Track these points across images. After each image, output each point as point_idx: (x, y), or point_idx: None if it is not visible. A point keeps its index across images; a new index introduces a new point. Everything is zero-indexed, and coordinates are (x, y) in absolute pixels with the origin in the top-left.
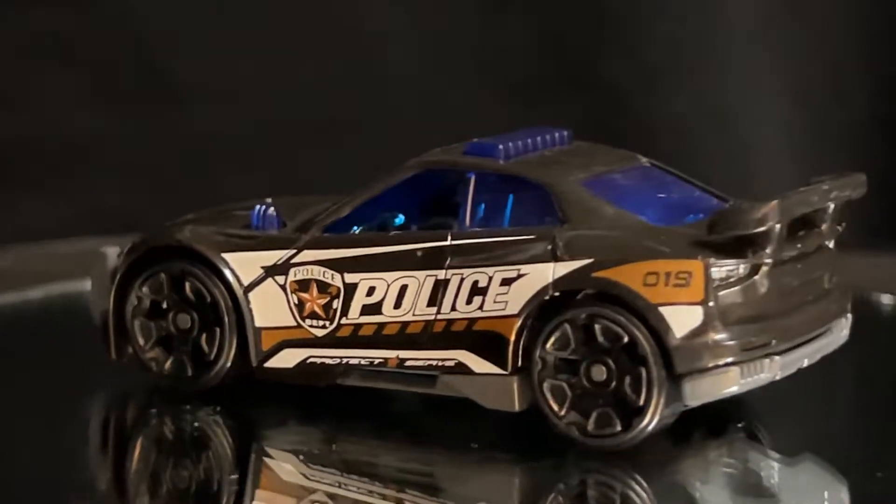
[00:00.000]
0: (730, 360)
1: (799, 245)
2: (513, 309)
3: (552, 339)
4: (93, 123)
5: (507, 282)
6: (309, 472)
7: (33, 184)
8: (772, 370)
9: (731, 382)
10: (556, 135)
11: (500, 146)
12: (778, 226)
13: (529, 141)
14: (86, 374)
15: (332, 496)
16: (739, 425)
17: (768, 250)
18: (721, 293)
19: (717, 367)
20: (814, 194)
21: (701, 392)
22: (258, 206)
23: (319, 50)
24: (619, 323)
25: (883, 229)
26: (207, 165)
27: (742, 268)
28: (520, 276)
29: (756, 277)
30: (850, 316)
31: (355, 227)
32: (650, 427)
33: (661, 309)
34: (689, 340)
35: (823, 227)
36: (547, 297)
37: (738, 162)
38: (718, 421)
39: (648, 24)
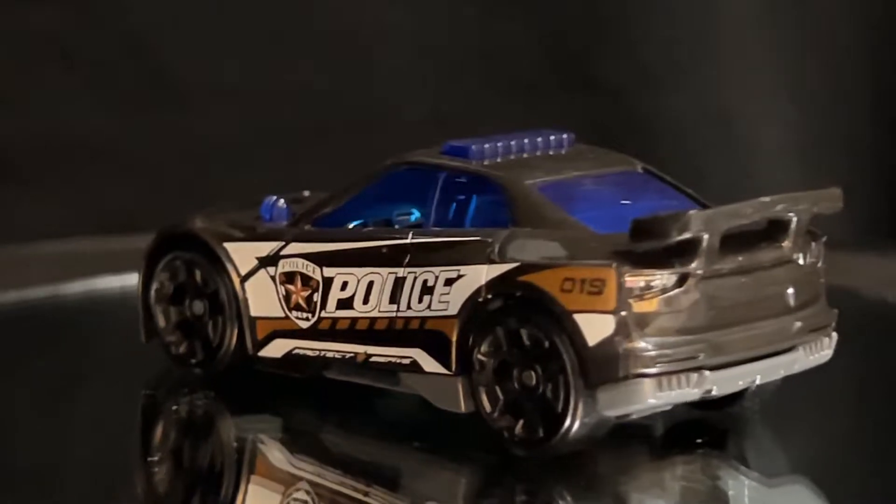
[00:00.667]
0: (644, 371)
1: (741, 258)
2: (453, 309)
3: (486, 342)
4: (93, 123)
5: (449, 282)
6: (295, 461)
7: (33, 184)
8: (700, 385)
9: (645, 394)
10: (554, 137)
11: (474, 147)
12: (706, 236)
13: (514, 143)
14: (84, 372)
15: (313, 484)
16: (703, 439)
17: (696, 262)
18: (639, 303)
19: (630, 377)
20: (749, 207)
21: (614, 402)
22: (268, 199)
23: (319, 50)
24: (542, 328)
25: (884, 229)
26: (207, 165)
27: (666, 278)
28: (459, 276)
29: (682, 289)
30: (834, 335)
31: (358, 222)
32: (571, 435)
33: (576, 316)
34: (601, 349)
35: (786, 241)
36: (481, 299)
37: (739, 162)
38: (702, 434)
39: (648, 24)
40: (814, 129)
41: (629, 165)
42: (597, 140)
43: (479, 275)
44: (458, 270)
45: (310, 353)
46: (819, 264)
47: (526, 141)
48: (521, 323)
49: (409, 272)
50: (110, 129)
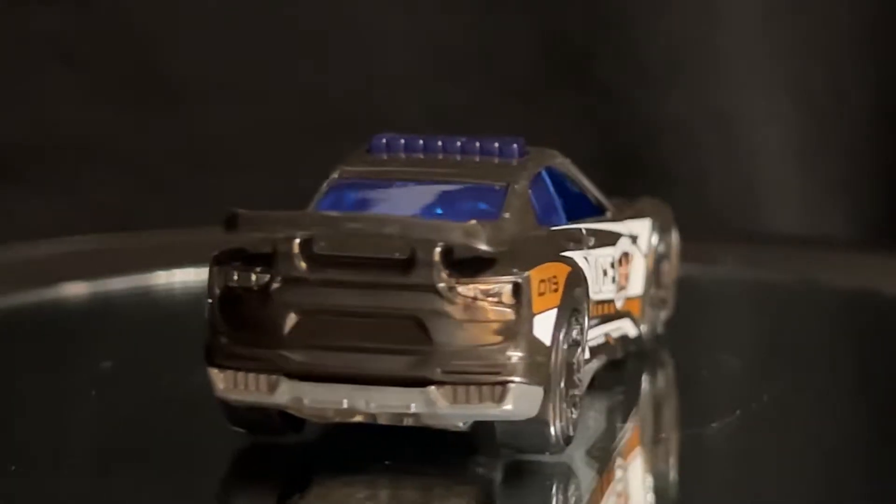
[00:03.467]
0: (219, 363)
1: (337, 272)
2: None
3: None
4: (93, 123)
5: None
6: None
7: (33, 183)
8: (275, 391)
9: (217, 387)
10: (495, 144)
11: (379, 142)
12: (280, 240)
13: (429, 143)
14: (86, 374)
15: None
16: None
17: (275, 266)
18: (228, 297)
19: (214, 367)
20: (308, 218)
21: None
22: None
23: (319, 50)
24: None
25: (884, 229)
26: (207, 165)
27: (256, 277)
28: None
29: (263, 291)
30: (527, 390)
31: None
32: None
33: None
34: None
35: (414, 269)
36: None
37: (739, 162)
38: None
39: (648, 24)
40: (814, 129)
41: (495, 182)
42: (595, 140)
43: None
44: None
45: None
46: (515, 306)
47: (455, 143)
48: None
49: None
50: (109, 128)
